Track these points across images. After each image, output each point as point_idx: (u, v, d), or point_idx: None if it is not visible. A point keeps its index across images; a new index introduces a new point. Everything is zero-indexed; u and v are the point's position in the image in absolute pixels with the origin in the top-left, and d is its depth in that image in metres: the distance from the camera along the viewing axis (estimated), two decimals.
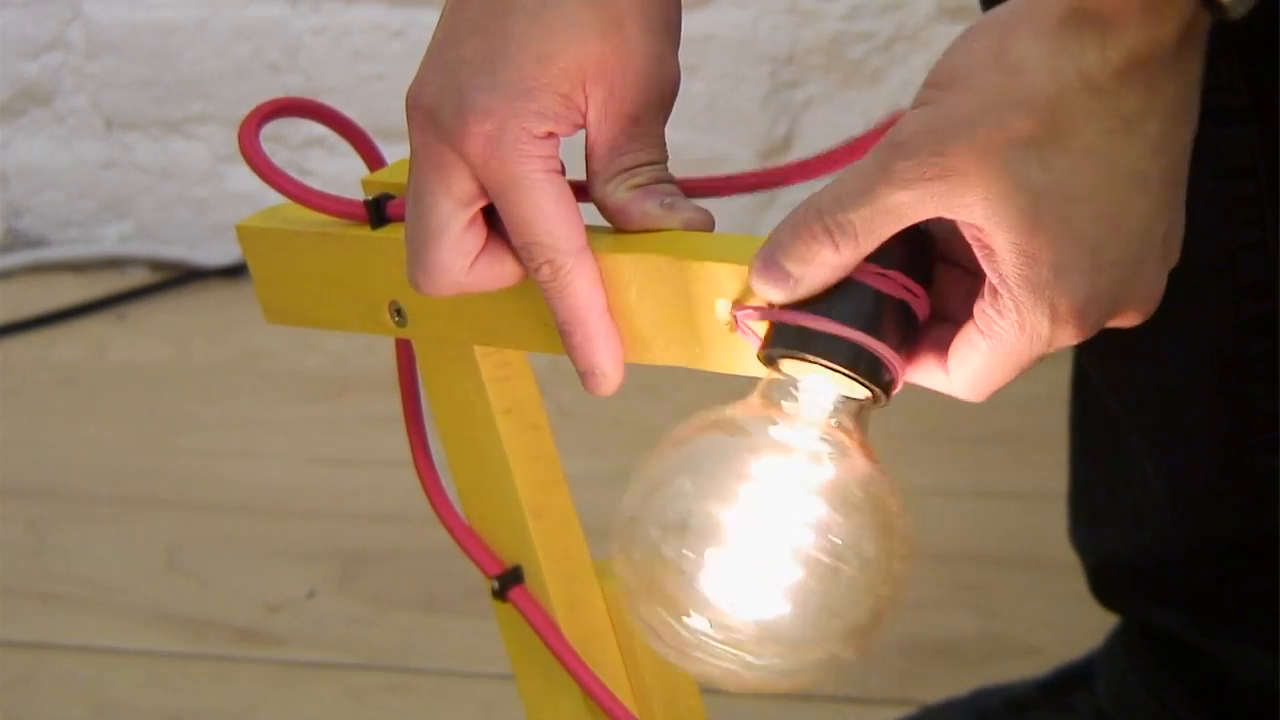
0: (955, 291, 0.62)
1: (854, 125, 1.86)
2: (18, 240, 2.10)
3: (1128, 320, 0.61)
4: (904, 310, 0.61)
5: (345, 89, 1.96)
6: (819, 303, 0.60)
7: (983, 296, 0.59)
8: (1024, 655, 1.28)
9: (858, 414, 0.62)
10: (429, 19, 1.62)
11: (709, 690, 0.83)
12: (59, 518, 1.56)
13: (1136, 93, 0.56)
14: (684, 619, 0.61)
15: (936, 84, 0.57)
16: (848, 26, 1.84)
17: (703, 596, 0.61)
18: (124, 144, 2.05)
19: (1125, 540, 1.06)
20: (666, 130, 0.67)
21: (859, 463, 0.61)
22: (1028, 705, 1.14)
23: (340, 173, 1.86)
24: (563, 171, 0.65)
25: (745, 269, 0.62)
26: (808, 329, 0.60)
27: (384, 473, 1.54)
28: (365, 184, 0.74)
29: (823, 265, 0.59)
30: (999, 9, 0.57)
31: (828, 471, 0.61)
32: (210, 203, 2.05)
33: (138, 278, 2.04)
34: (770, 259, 0.60)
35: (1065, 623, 1.29)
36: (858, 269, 0.60)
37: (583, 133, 0.66)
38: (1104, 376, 1.01)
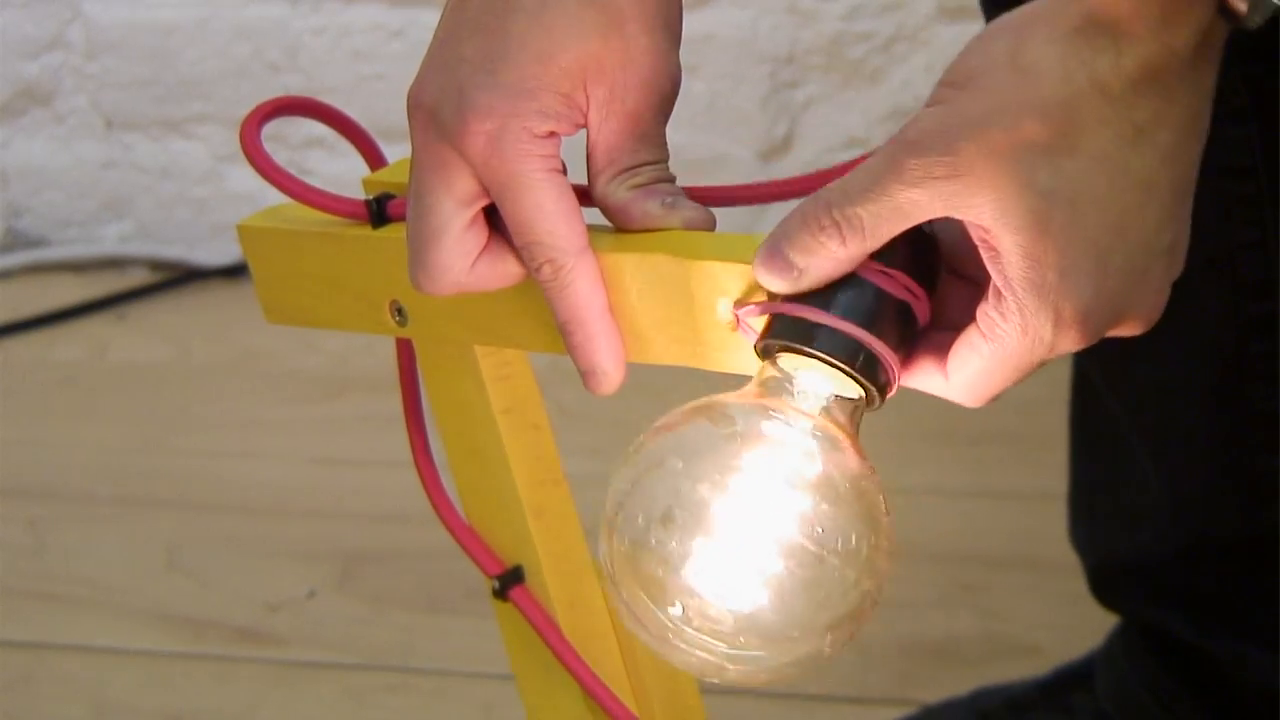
0: (958, 302, 0.61)
1: (854, 125, 1.86)
2: (18, 240, 2.11)
3: (1129, 329, 0.61)
4: (905, 311, 0.61)
5: (345, 89, 1.96)
6: (820, 296, 0.60)
7: (986, 299, 0.59)
8: (1024, 655, 1.28)
9: (851, 414, 0.62)
10: (429, 19, 1.62)
11: (709, 690, 0.83)
12: (59, 518, 1.56)
13: (1150, 101, 0.56)
14: (666, 608, 0.61)
15: (951, 83, 0.57)
16: (848, 26, 1.84)
17: (686, 586, 0.60)
18: (124, 144, 2.05)
19: (1125, 540, 1.06)
20: (667, 130, 0.67)
21: (849, 458, 0.61)
22: (1028, 705, 1.14)
23: (341, 172, 1.86)
24: (564, 171, 0.65)
25: (747, 268, 0.62)
26: (807, 321, 0.60)
27: (384, 473, 1.54)
28: (366, 183, 0.74)
29: (828, 258, 0.59)
30: (1017, 11, 0.57)
31: (816, 464, 0.61)
32: (210, 203, 2.05)
33: (138, 278, 2.04)
34: (775, 249, 0.60)
35: (1065, 623, 1.29)
36: (861, 266, 0.60)
37: (584, 133, 0.66)
38: (1104, 376, 1.01)
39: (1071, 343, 0.59)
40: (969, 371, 0.60)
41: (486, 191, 0.65)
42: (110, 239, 2.09)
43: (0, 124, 2.07)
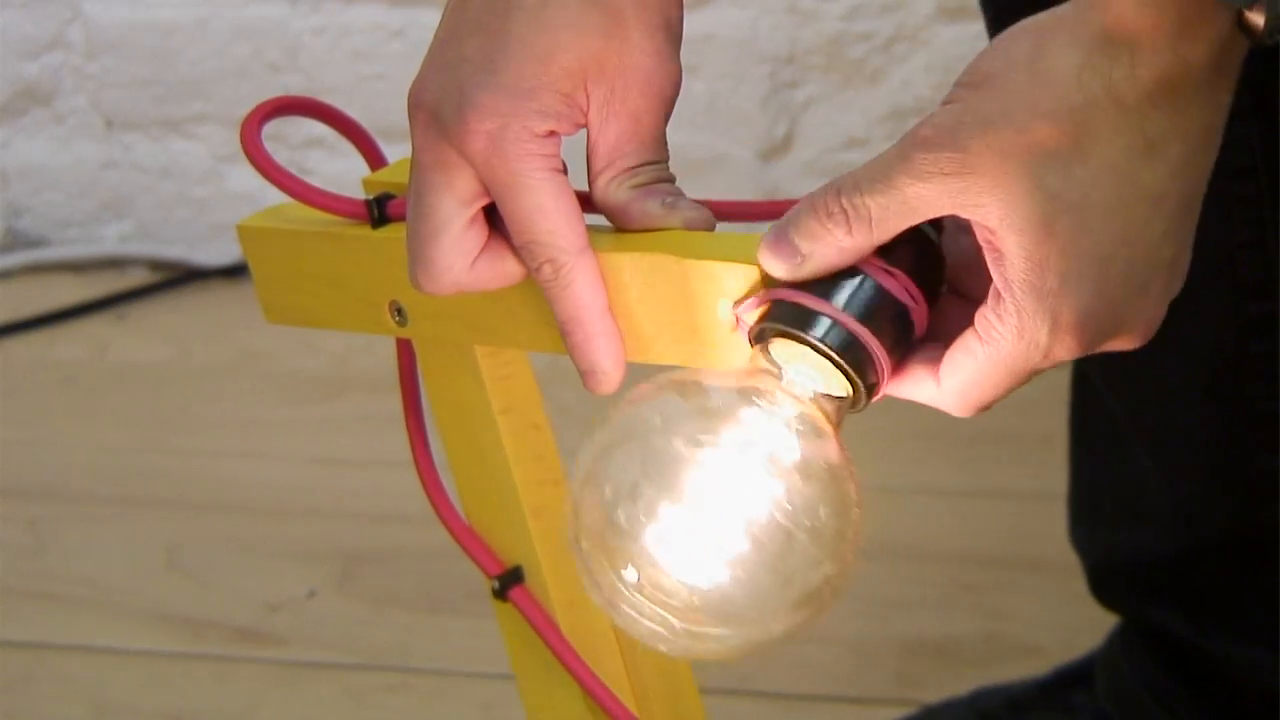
0: (956, 320, 0.61)
1: (854, 125, 1.86)
2: (18, 240, 2.10)
3: (1125, 343, 0.61)
4: (903, 315, 0.61)
5: (345, 89, 1.96)
6: (820, 285, 0.60)
7: (985, 303, 0.59)
8: (1024, 655, 1.28)
9: (835, 412, 0.62)
10: (429, 19, 1.62)
11: (709, 690, 0.83)
12: (59, 518, 1.56)
13: (1163, 114, 0.56)
14: (620, 570, 0.61)
15: (968, 83, 0.57)
16: (848, 26, 1.84)
17: (643, 552, 0.60)
18: (124, 144, 2.05)
19: (1125, 540, 1.06)
20: (667, 130, 0.67)
21: (829, 446, 0.61)
22: (1028, 705, 1.14)
23: (341, 172, 1.86)
24: (564, 171, 0.65)
25: (747, 268, 0.62)
26: (804, 307, 0.60)
27: (384, 473, 1.54)
28: (366, 183, 0.74)
29: (832, 245, 0.59)
30: (1039, 16, 0.57)
31: (794, 442, 0.60)
32: (210, 203, 2.05)
33: (138, 278, 2.04)
34: (781, 233, 0.60)
35: (1065, 623, 1.29)
36: (865, 261, 0.60)
37: (584, 133, 0.66)
38: (1104, 376, 1.01)
39: (1067, 350, 0.59)
40: (962, 376, 0.60)
41: (487, 191, 0.65)
42: (110, 239, 2.09)
43: (0, 124, 2.07)
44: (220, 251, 2.03)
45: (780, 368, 0.61)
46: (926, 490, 1.50)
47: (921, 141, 0.57)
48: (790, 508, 0.60)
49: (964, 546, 1.42)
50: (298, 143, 1.99)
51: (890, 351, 0.60)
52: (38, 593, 1.45)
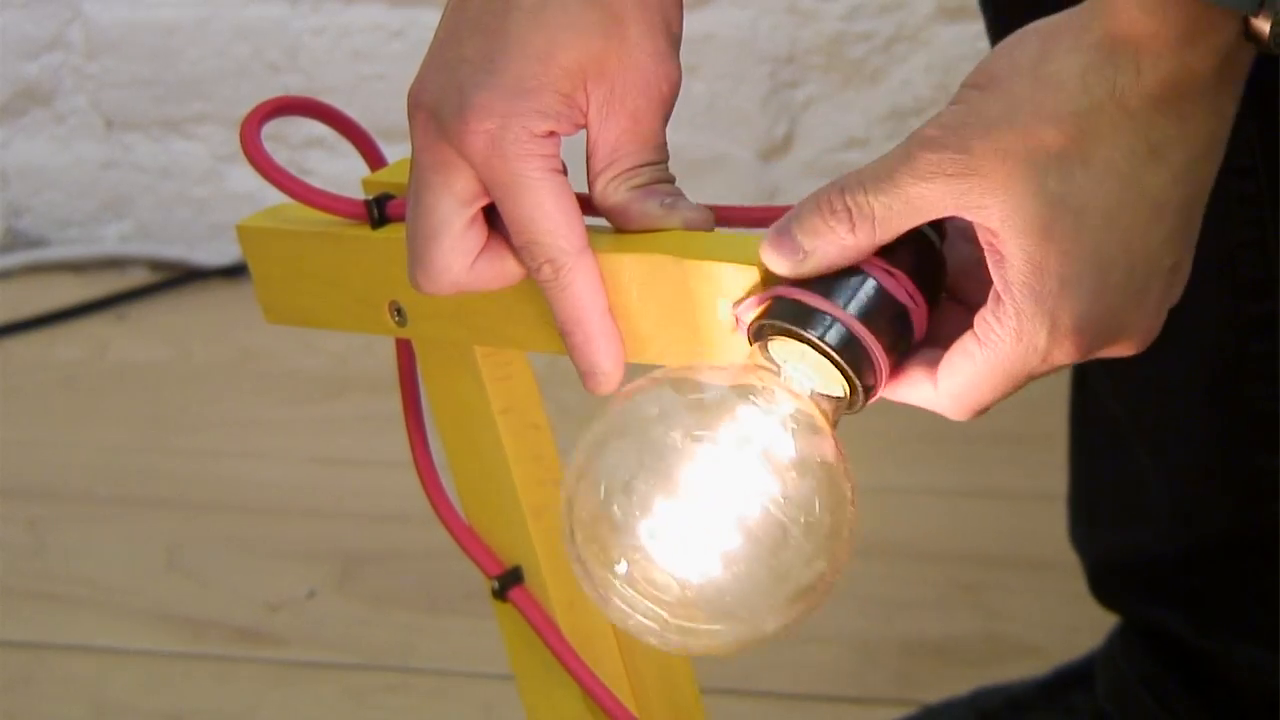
0: (955, 326, 0.61)
1: (854, 125, 1.86)
2: (18, 240, 2.10)
3: (1122, 349, 0.61)
4: (903, 317, 0.61)
5: (345, 89, 1.96)
6: (821, 284, 0.60)
7: (984, 306, 0.59)
8: (1024, 655, 1.28)
9: (830, 412, 0.62)
10: (429, 19, 1.62)
11: (709, 690, 0.83)
12: (59, 518, 1.56)
13: (1168, 120, 0.56)
14: (612, 564, 0.61)
15: (974, 85, 0.58)
16: (848, 26, 1.84)
17: (641, 551, 0.60)
18: (124, 144, 2.05)
19: (1124, 539, 1.06)
20: (667, 130, 0.67)
21: (825, 443, 0.61)
22: (1028, 705, 1.14)
23: (341, 172, 1.86)
24: (564, 171, 0.65)
25: (747, 269, 0.62)
26: (804, 305, 0.60)
27: (384, 473, 1.54)
28: (366, 184, 0.74)
29: (835, 243, 0.59)
30: (1047, 19, 0.57)
31: (789, 438, 0.60)
32: (210, 203, 2.05)
33: (138, 278, 2.04)
34: (784, 229, 0.60)
35: (1065, 623, 1.29)
36: (866, 261, 0.60)
37: (583, 134, 0.66)
38: (1104, 376, 1.01)
39: (1065, 354, 0.59)
40: (959, 379, 0.60)
41: (486, 191, 0.65)
42: (110, 239, 2.09)
43: (0, 124, 2.07)
44: (220, 251, 2.03)
45: (778, 366, 0.61)
46: (926, 490, 1.50)
47: (926, 141, 0.57)
48: (785, 502, 0.60)
49: (964, 546, 1.42)
50: (298, 143, 1.99)
51: (889, 352, 0.60)
52: (38, 593, 1.45)
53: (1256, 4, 0.54)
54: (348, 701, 1.31)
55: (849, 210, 0.59)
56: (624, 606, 0.61)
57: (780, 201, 1.80)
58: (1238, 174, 0.88)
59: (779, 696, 1.26)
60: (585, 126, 0.65)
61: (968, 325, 0.60)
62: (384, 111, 1.55)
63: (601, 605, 0.62)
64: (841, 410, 0.62)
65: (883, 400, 0.62)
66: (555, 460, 0.76)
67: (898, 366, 0.61)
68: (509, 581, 0.77)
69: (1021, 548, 1.40)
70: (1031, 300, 0.57)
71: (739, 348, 0.63)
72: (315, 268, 0.74)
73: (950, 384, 0.60)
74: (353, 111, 0.76)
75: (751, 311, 0.62)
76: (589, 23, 0.64)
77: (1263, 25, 0.55)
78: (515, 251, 0.65)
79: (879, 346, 0.60)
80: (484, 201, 0.65)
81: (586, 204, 0.66)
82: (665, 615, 0.61)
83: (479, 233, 0.66)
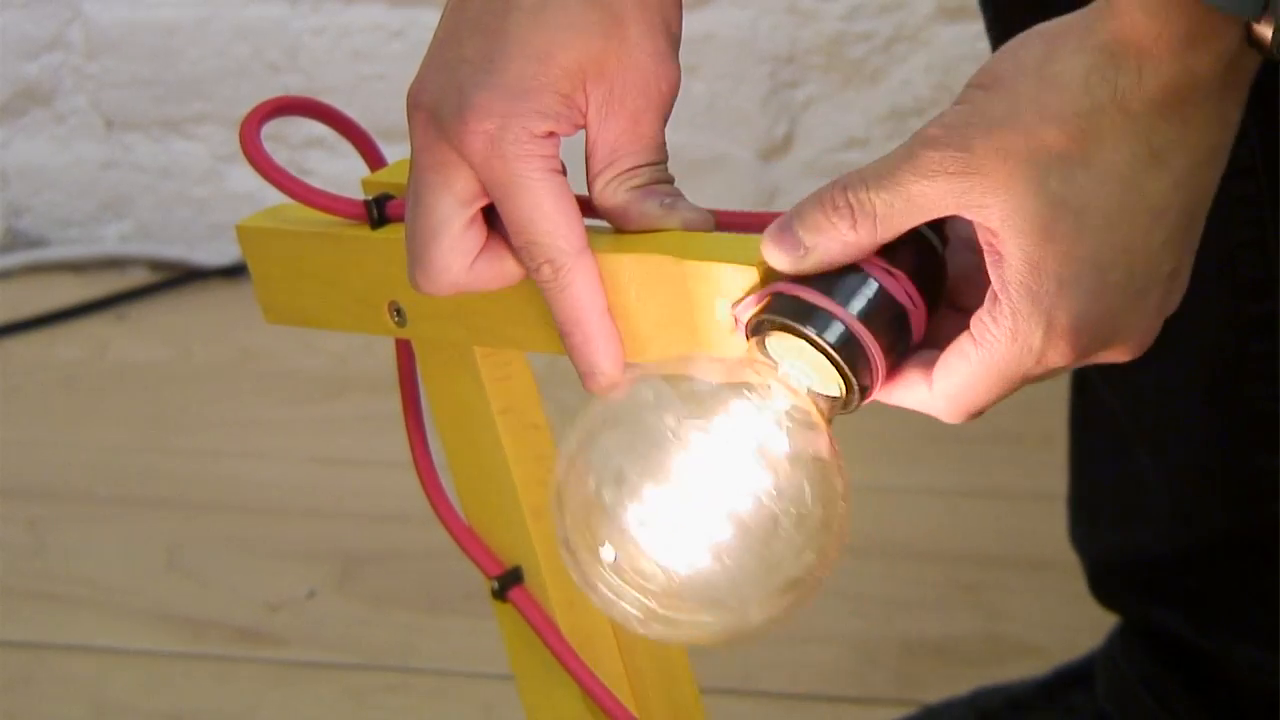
0: (953, 332, 0.61)
1: (854, 125, 1.86)
2: (18, 240, 2.10)
3: (1118, 354, 0.61)
4: (901, 316, 0.61)
5: (345, 89, 1.96)
6: (821, 281, 0.60)
7: (981, 307, 0.59)
8: (1024, 655, 1.28)
9: (826, 410, 0.62)
10: (429, 19, 1.62)
11: (709, 690, 0.83)
12: (59, 518, 1.56)
13: (1170, 125, 0.56)
14: (598, 549, 0.61)
15: (978, 85, 0.58)
16: (848, 26, 1.84)
17: (629, 539, 0.60)
18: (124, 144, 2.05)
19: (1124, 539, 1.06)
20: (667, 130, 0.67)
21: (819, 438, 0.61)
22: (1028, 705, 1.14)
23: (340, 172, 1.86)
24: (563, 171, 0.65)
25: (746, 269, 0.62)
26: (803, 301, 0.60)
27: (384, 473, 1.54)
28: (365, 184, 0.74)
29: (836, 240, 0.59)
30: (1052, 21, 0.57)
31: (783, 433, 0.60)
32: (210, 203, 2.05)
33: (138, 278, 2.04)
34: (785, 225, 0.60)
35: (1065, 623, 1.29)
36: (867, 261, 0.60)
37: (583, 134, 0.66)
38: (1104, 376, 1.01)
39: (1060, 356, 0.59)
40: (955, 380, 0.60)
41: (486, 191, 0.65)
42: (110, 239, 2.09)
43: (0, 124, 2.07)
44: (220, 251, 2.03)
45: (775, 362, 0.61)
46: (926, 490, 1.50)
47: (928, 140, 0.57)
48: (776, 493, 0.60)
49: (964, 546, 1.42)
50: (297, 143, 1.99)
51: (886, 352, 0.60)
52: (38, 593, 1.45)
53: (1259, 9, 0.54)
54: (348, 701, 1.31)
55: (851, 206, 0.59)
56: (610, 594, 0.62)
57: (780, 202, 1.80)
58: (1238, 174, 0.88)
59: (779, 696, 1.26)
60: (585, 127, 0.65)
61: (964, 330, 0.60)
62: (384, 111, 1.55)
63: (588, 592, 0.62)
64: (836, 409, 0.62)
65: (874, 402, 0.62)
66: (555, 460, 0.76)
67: (895, 367, 0.61)
68: (509, 581, 0.77)
69: (1021, 548, 1.40)
70: (1028, 300, 0.57)
71: (738, 348, 0.63)
72: (315, 268, 0.74)
73: (945, 385, 0.60)
74: (352, 111, 0.76)
75: (750, 308, 0.62)
76: (589, 23, 0.64)
77: (1265, 31, 0.55)
78: (514, 252, 0.65)
79: (877, 346, 0.60)
80: (483, 202, 0.65)
81: (586, 204, 0.66)
82: (652, 605, 0.61)
83: (478, 233, 0.66)
